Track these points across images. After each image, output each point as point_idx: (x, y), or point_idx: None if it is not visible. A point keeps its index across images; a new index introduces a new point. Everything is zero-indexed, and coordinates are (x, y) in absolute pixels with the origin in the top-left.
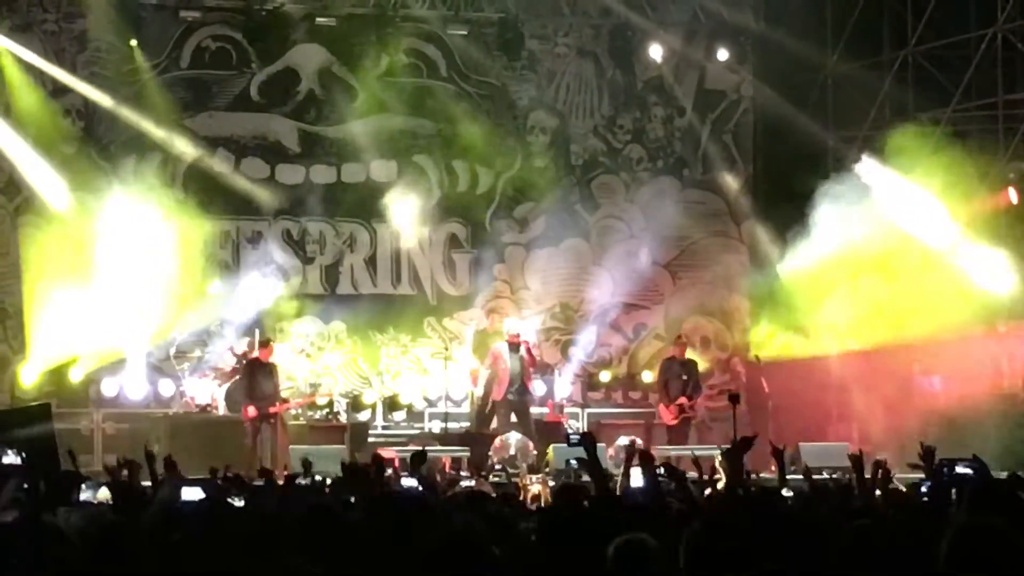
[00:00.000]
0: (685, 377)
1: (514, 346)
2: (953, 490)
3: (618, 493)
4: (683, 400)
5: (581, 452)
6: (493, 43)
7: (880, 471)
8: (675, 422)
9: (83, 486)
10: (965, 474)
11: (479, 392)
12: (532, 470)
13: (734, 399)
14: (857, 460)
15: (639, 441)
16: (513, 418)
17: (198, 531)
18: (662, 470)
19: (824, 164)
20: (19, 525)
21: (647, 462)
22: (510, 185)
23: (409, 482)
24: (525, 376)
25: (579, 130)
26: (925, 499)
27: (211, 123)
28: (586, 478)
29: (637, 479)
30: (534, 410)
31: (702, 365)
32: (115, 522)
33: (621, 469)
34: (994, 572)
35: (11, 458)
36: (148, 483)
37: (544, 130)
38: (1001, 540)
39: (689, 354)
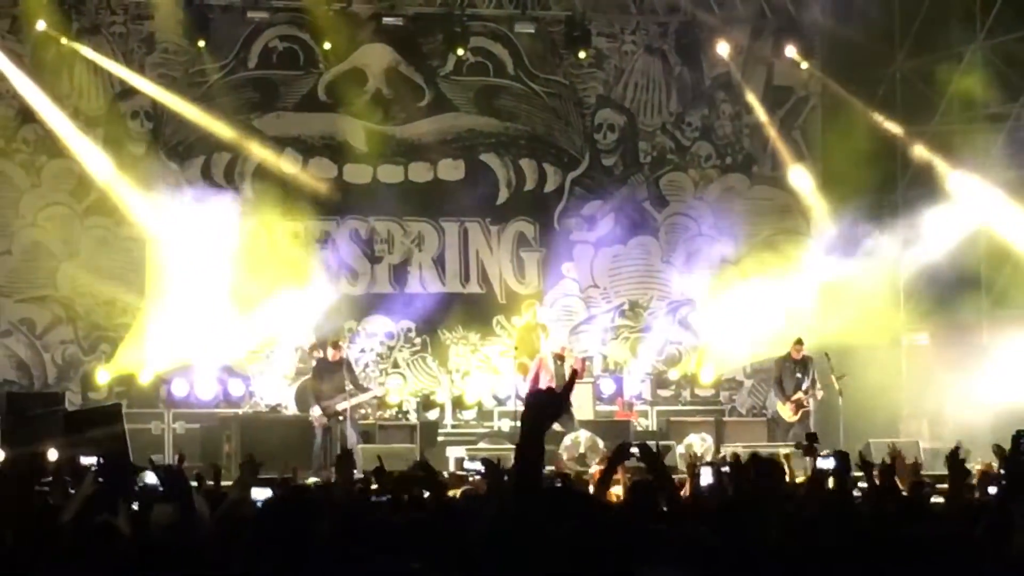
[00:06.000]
0: (800, 375)
1: (560, 358)
2: None
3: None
4: (800, 396)
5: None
6: (560, 41)
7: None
8: (796, 418)
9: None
10: None
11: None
12: None
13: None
14: (956, 458)
15: (709, 439)
16: (557, 426)
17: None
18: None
19: (892, 159)
20: (74, 524)
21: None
22: (578, 183)
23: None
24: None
25: (647, 127)
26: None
27: (279, 123)
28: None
29: (707, 477)
30: (604, 407)
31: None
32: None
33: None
34: None
35: (89, 459)
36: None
37: (612, 127)
38: None
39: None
